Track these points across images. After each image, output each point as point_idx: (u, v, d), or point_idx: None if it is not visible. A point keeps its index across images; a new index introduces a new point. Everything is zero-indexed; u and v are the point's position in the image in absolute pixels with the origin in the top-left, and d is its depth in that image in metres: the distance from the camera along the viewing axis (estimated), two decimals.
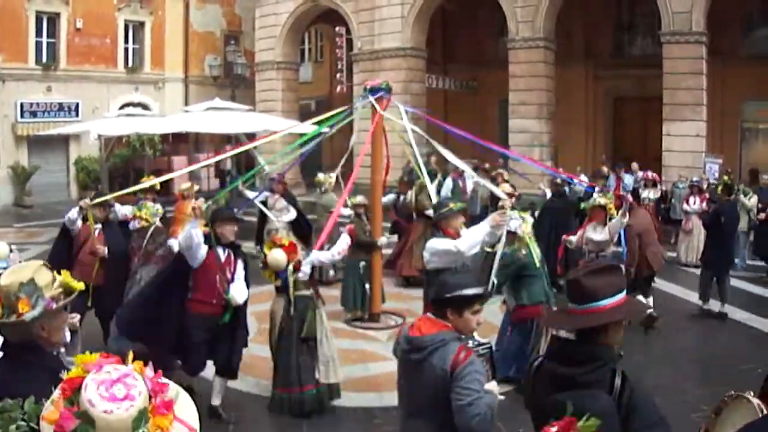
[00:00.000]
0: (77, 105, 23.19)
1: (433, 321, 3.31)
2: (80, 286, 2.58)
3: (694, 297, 9.99)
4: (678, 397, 6.38)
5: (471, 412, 3.02)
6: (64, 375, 1.72)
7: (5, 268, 3.42)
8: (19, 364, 2.40)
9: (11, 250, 6.04)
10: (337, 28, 24.26)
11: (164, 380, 1.75)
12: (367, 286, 8.83)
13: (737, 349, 8.10)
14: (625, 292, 2.72)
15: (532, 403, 2.87)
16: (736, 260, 12.35)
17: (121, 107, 22.73)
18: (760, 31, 19.73)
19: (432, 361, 3.18)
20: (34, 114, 22.28)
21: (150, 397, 1.65)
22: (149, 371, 1.73)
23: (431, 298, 3.42)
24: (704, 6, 16.15)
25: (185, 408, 1.75)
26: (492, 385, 3.26)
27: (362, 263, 8.87)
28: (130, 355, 1.76)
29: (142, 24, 25.31)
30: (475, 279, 3.45)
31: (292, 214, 10.46)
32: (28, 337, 2.43)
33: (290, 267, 5.91)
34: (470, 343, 3.38)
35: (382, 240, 8.98)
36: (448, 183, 13.65)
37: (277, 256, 5.87)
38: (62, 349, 3.21)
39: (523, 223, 6.75)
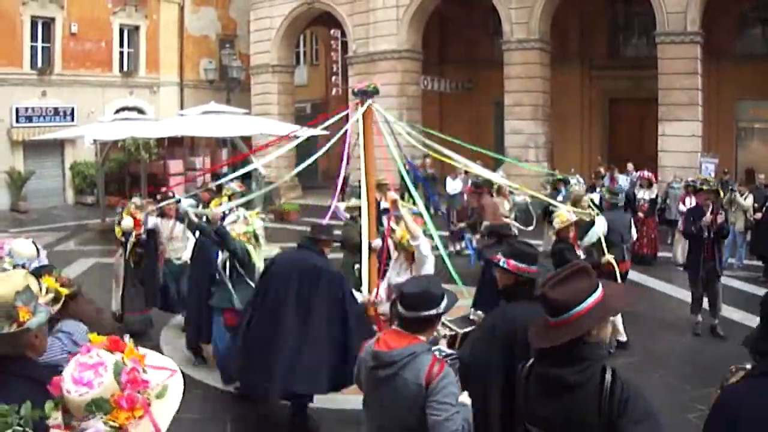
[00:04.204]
0: (72, 109, 23.18)
1: (401, 334, 3.13)
2: (65, 291, 2.63)
3: (689, 297, 9.95)
4: (673, 397, 6.39)
5: (449, 427, 2.91)
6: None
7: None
8: (7, 377, 2.33)
9: (38, 249, 5.02)
10: (332, 31, 24.27)
11: (154, 375, 1.85)
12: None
13: (733, 348, 8.07)
14: (599, 290, 2.68)
15: (524, 410, 2.80)
16: (733, 260, 12.42)
17: (117, 111, 22.76)
18: (754, 30, 19.83)
19: (404, 375, 3.02)
20: (29, 119, 22.26)
21: (123, 388, 1.77)
22: (134, 363, 1.82)
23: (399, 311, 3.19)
24: (699, 6, 16.19)
25: (164, 407, 1.85)
26: (464, 397, 3.13)
27: (357, 266, 8.85)
28: (130, 342, 1.90)
29: (137, 28, 25.29)
30: (442, 287, 3.24)
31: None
32: (18, 348, 2.39)
33: (132, 234, 8.14)
34: (437, 354, 3.25)
35: (377, 242, 8.96)
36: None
37: (128, 222, 8.11)
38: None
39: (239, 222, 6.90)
